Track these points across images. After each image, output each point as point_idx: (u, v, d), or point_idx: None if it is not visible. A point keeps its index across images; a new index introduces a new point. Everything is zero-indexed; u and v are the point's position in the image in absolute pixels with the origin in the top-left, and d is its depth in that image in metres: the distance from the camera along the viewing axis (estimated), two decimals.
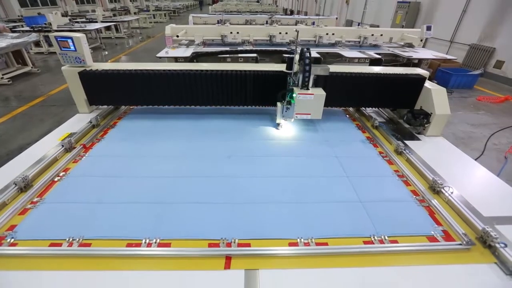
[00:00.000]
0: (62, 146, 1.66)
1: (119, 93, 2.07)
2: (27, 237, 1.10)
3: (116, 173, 1.51)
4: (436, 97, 1.93)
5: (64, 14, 12.11)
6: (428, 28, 5.31)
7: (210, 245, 1.09)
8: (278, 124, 2.03)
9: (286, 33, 5.33)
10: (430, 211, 1.28)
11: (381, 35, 5.52)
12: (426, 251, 1.08)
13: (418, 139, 1.94)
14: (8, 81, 6.28)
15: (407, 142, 1.86)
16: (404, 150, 1.72)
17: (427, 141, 1.92)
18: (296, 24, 7.93)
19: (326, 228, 1.17)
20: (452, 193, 1.32)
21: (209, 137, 1.90)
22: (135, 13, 17.15)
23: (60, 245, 1.07)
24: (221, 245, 1.08)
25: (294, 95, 1.76)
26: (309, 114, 1.81)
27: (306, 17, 9.76)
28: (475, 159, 1.70)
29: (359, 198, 1.35)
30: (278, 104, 1.94)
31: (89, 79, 2.00)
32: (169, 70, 1.97)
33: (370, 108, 2.35)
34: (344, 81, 2.00)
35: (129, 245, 1.08)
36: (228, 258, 1.03)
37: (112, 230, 1.14)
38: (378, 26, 11.18)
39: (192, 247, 1.07)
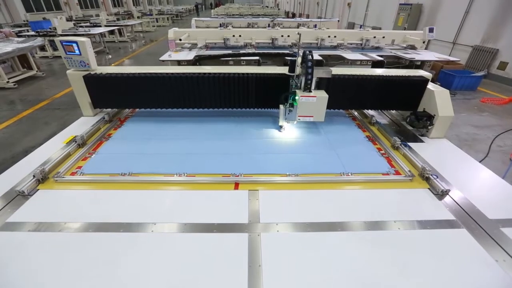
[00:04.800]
0: (104, 118, 2.11)
1: (123, 96, 2.09)
2: (91, 172, 1.54)
3: (150, 136, 1.94)
4: (439, 98, 1.92)
5: (69, 19, 12.26)
6: (431, 30, 5.30)
7: (223, 177, 1.50)
8: (281, 127, 2.04)
9: (288, 36, 5.35)
10: (388, 160, 1.71)
11: (383, 37, 5.51)
12: (380, 181, 1.51)
13: (422, 141, 1.93)
14: (14, 85, 6.36)
15: (410, 144, 1.85)
16: (376, 121, 2.14)
17: (430, 143, 1.91)
18: (298, 27, 7.96)
19: (309, 167, 1.60)
20: (409, 149, 1.77)
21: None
22: (138, 17, 17.35)
23: (116, 176, 1.50)
24: (231, 176, 1.49)
25: (296, 97, 1.76)
26: (312, 116, 1.80)
27: (308, 19, 9.79)
28: (480, 161, 1.69)
29: (335, 152, 1.77)
30: (281, 106, 1.95)
31: (93, 82, 2.02)
32: (172, 73, 1.99)
33: (373, 110, 2.35)
34: (347, 83, 2.00)
35: (165, 176, 1.50)
36: (237, 184, 1.45)
37: (152, 168, 1.56)
38: (380, 29, 11.18)
39: (210, 177, 1.49)
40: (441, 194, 1.38)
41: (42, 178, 1.44)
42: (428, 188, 1.45)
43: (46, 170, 1.47)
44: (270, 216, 1.24)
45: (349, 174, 1.54)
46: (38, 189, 1.40)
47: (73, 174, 1.53)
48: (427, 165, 1.54)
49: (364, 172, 1.55)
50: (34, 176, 1.41)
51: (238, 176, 1.49)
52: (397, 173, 1.57)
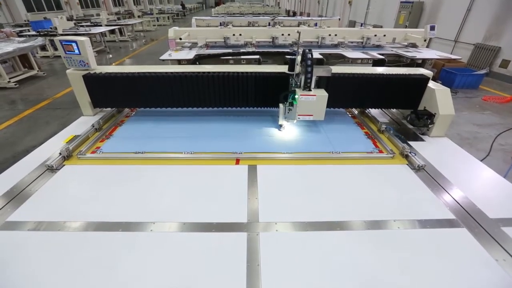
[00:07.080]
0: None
1: (122, 96, 2.09)
2: (109, 151, 1.77)
3: (159, 123, 2.13)
4: (440, 97, 1.91)
5: (70, 18, 12.28)
6: (432, 28, 5.26)
7: (225, 154, 1.71)
8: (281, 126, 2.03)
9: (289, 34, 5.33)
10: (374, 141, 1.91)
11: (384, 35, 5.49)
12: (365, 158, 1.72)
13: (422, 140, 1.92)
14: (15, 84, 6.38)
15: (410, 143, 1.84)
16: (365, 110, 2.31)
17: (431, 142, 1.90)
18: (298, 26, 7.94)
19: (302, 147, 1.82)
20: (392, 133, 1.95)
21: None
22: (139, 17, 17.37)
23: (131, 154, 1.71)
24: (233, 154, 1.69)
25: (296, 96, 1.75)
26: (312, 115, 1.80)
27: (309, 18, 9.75)
28: (481, 160, 1.68)
29: (326, 136, 1.97)
30: (281, 105, 1.94)
31: (93, 82, 2.02)
32: (172, 73, 1.99)
33: (373, 109, 2.34)
34: (347, 82, 1.99)
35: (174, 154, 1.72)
36: (238, 160, 1.65)
37: (163, 148, 1.78)
38: (381, 27, 11.13)
39: (214, 154, 1.71)
40: (417, 169, 1.57)
41: (68, 155, 1.66)
42: (407, 164, 1.65)
43: (70, 149, 1.69)
44: (269, 215, 1.23)
45: (338, 152, 1.73)
46: (64, 165, 1.62)
47: (93, 152, 1.73)
48: (406, 145, 1.76)
49: (351, 151, 1.76)
50: (60, 154, 1.63)
51: (239, 153, 1.68)
52: (381, 152, 1.78)
